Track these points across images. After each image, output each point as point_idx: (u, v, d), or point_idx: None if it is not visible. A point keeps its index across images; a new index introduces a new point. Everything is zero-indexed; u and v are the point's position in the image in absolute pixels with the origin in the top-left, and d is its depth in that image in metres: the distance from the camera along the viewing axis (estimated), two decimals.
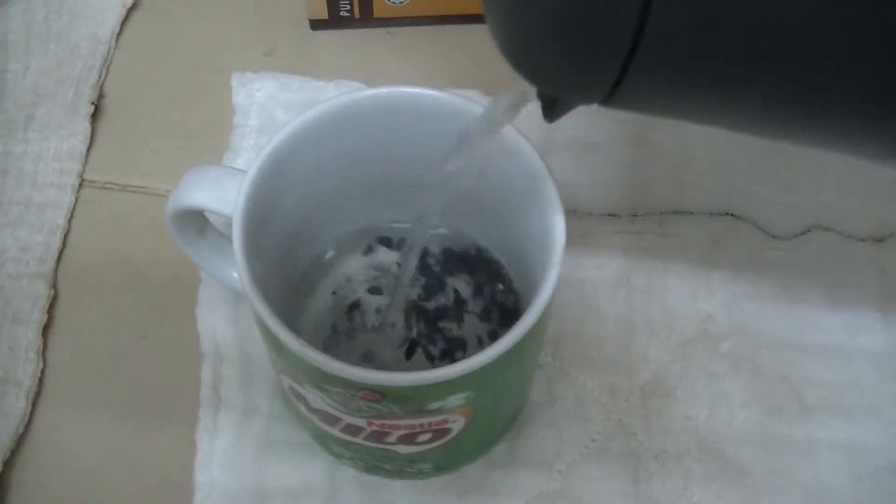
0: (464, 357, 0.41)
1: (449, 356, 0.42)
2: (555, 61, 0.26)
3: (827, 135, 0.27)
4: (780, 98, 0.25)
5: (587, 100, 0.27)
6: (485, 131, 0.34)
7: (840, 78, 0.24)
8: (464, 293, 0.43)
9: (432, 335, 0.42)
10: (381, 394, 0.33)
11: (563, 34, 0.24)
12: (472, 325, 0.43)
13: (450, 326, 0.43)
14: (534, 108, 0.31)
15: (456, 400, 0.34)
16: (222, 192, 0.36)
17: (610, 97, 0.26)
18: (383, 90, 0.37)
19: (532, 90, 0.30)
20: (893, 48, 0.23)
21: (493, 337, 0.42)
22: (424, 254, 0.43)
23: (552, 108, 0.30)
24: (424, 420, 0.35)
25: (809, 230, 0.48)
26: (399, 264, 0.43)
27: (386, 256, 0.44)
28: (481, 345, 0.42)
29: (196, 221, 0.40)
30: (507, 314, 0.42)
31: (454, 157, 0.35)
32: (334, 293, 0.43)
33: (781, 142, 0.29)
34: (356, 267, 0.44)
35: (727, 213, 0.48)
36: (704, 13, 0.23)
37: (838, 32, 0.23)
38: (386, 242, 0.44)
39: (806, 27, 0.23)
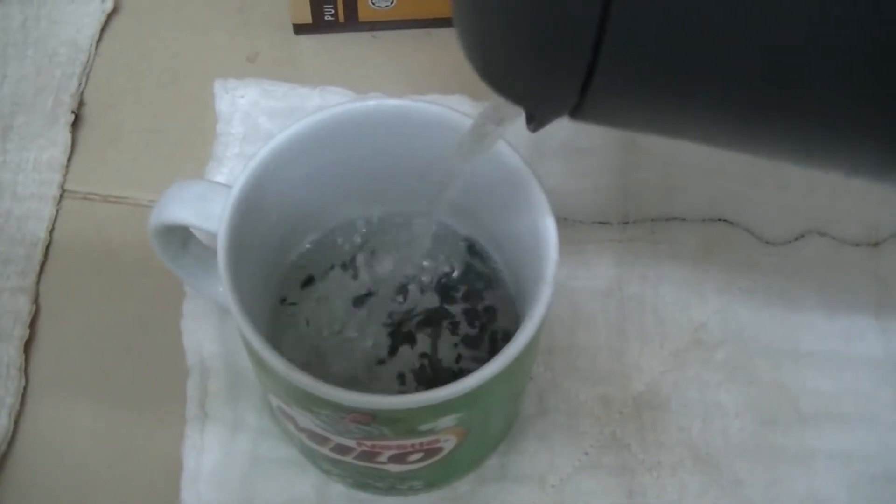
0: (458, 368, 0.41)
1: (440, 364, 0.41)
2: (518, 73, 0.26)
3: (793, 149, 0.27)
4: (739, 113, 0.25)
5: (554, 112, 0.27)
6: (476, 146, 0.33)
7: (801, 94, 0.24)
8: (455, 295, 0.42)
9: (423, 340, 0.42)
10: (371, 416, 0.32)
11: (524, 47, 0.25)
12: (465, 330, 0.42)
13: (441, 330, 0.42)
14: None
15: (447, 421, 0.33)
16: (206, 208, 0.36)
17: (577, 110, 0.26)
18: (370, 103, 0.37)
19: (508, 109, 0.30)
20: (853, 71, 0.23)
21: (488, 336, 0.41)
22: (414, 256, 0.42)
23: (534, 118, 0.30)
24: (416, 441, 0.34)
25: (803, 235, 0.47)
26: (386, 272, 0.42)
27: (372, 264, 0.43)
28: (476, 349, 0.41)
29: (180, 235, 0.40)
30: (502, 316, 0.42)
31: (448, 171, 0.34)
32: (320, 302, 0.42)
33: (749, 155, 0.29)
34: (342, 276, 0.43)
35: (720, 219, 0.47)
36: (661, 28, 0.23)
37: (797, 50, 0.23)
38: (372, 252, 0.43)
39: (767, 44, 0.23)
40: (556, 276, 0.34)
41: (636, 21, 0.23)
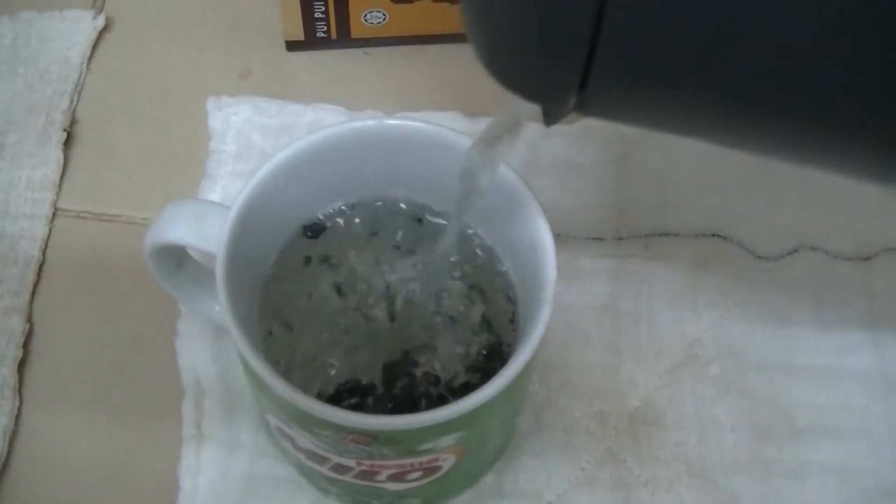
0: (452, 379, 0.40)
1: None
2: (519, 67, 0.27)
3: (793, 147, 0.27)
4: (736, 110, 0.26)
5: (559, 105, 0.28)
6: (484, 164, 0.33)
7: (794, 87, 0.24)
8: (461, 302, 0.42)
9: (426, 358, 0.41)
10: (371, 437, 0.32)
11: (523, 41, 0.26)
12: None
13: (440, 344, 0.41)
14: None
15: (447, 440, 0.33)
16: (202, 229, 0.36)
17: (580, 104, 0.27)
18: (368, 123, 0.37)
19: (522, 113, 0.31)
20: (854, 68, 0.23)
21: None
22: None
23: (548, 113, 0.30)
24: (415, 460, 0.34)
25: (796, 250, 0.47)
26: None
27: (370, 281, 0.43)
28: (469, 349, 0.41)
29: (175, 255, 0.40)
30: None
31: (461, 196, 0.35)
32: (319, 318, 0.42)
33: (749, 153, 0.29)
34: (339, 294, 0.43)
35: (713, 234, 0.47)
36: (655, 25, 0.24)
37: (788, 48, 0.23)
38: (370, 269, 0.43)
39: (763, 36, 0.23)
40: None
41: (631, 18, 0.23)
